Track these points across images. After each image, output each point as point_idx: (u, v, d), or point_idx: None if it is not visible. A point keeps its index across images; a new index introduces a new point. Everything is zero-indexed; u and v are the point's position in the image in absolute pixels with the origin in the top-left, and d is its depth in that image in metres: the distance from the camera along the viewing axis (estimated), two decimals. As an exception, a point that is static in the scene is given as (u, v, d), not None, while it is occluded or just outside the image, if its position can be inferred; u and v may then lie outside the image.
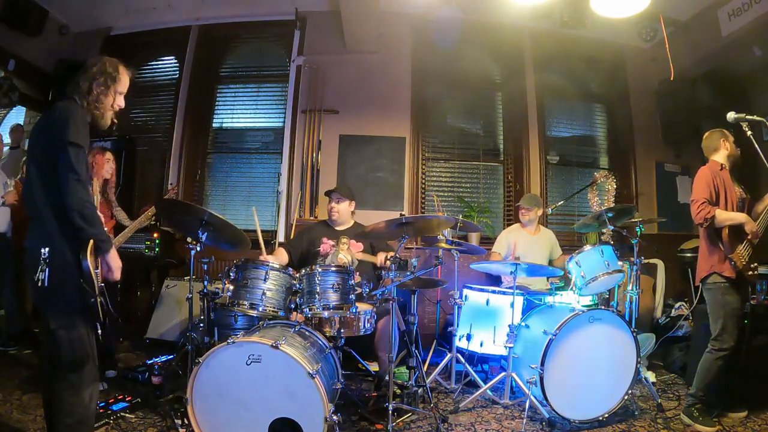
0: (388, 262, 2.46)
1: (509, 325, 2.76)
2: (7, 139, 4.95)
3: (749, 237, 2.47)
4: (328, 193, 3.32)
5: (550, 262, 3.73)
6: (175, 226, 3.58)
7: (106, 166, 3.21)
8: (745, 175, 2.77)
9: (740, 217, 2.49)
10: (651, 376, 3.19)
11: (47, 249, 1.69)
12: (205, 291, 2.68)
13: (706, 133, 2.76)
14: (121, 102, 1.94)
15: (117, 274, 1.83)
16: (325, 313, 2.38)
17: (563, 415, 2.49)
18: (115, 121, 1.97)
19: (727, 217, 2.49)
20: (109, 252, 1.78)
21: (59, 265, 1.70)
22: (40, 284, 1.67)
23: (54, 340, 1.72)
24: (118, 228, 3.28)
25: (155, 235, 3.95)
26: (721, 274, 2.50)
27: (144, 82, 5.01)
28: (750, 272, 2.47)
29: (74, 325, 1.73)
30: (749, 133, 2.27)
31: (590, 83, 5.16)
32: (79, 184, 1.68)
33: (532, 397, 2.55)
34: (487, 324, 3.21)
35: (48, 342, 1.76)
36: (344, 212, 3.29)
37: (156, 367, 2.97)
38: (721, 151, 2.68)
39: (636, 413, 2.69)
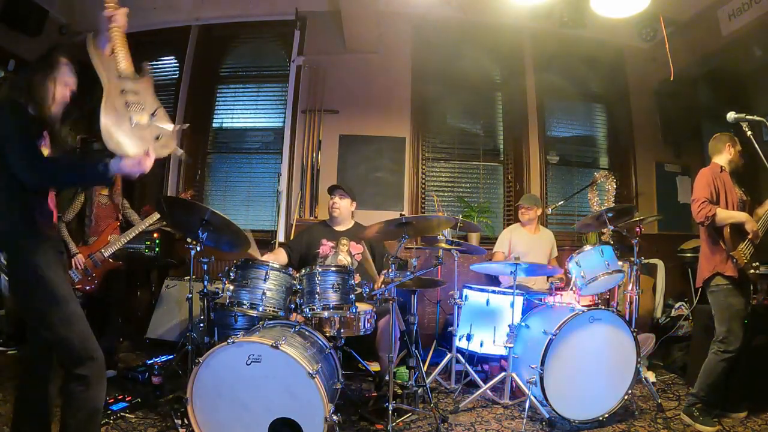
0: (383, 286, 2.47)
1: (509, 325, 2.76)
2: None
3: (750, 236, 2.47)
4: (331, 189, 3.31)
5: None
6: (175, 226, 3.58)
7: None
8: (745, 175, 2.77)
9: (741, 215, 2.50)
10: (651, 376, 3.19)
11: (3, 254, 1.63)
12: (205, 291, 2.68)
13: (716, 135, 2.77)
14: (63, 93, 1.83)
15: (145, 164, 1.63)
16: (325, 313, 2.38)
17: (563, 415, 2.48)
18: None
19: (727, 215, 2.49)
20: (113, 168, 1.62)
21: (21, 273, 1.64)
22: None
23: (46, 341, 1.69)
24: (128, 228, 3.36)
25: (155, 235, 3.95)
26: (724, 274, 2.50)
27: (144, 82, 5.01)
28: (752, 271, 2.47)
29: (54, 323, 1.67)
30: (749, 133, 2.27)
31: (590, 83, 5.16)
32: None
33: (532, 397, 2.55)
34: (487, 324, 3.21)
35: (43, 343, 1.74)
36: (345, 210, 3.28)
37: (156, 367, 2.97)
38: (723, 154, 2.69)
39: (636, 413, 2.69)
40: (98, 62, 1.73)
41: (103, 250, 3.27)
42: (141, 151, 1.63)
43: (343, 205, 3.26)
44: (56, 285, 1.67)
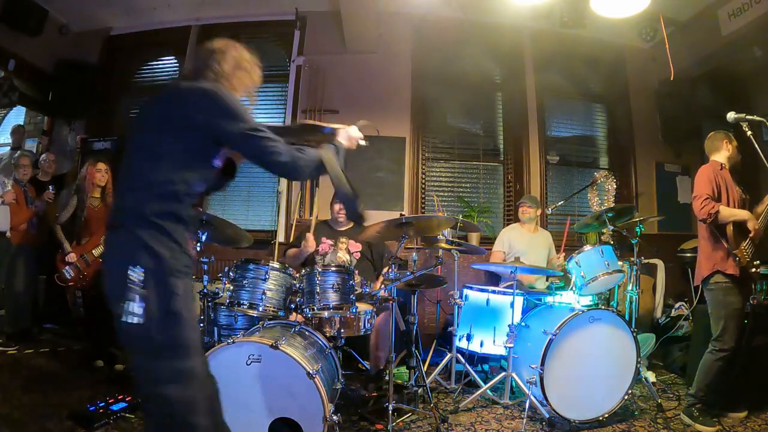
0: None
1: (509, 325, 2.76)
2: (7, 140, 4.95)
3: (752, 235, 2.47)
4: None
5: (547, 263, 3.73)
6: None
7: (98, 176, 3.42)
8: (745, 175, 2.77)
9: (743, 213, 2.49)
10: (651, 376, 3.19)
11: (140, 269, 1.21)
12: (205, 291, 2.67)
13: (711, 134, 2.77)
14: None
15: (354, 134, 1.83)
16: (325, 313, 2.38)
17: (563, 415, 2.48)
18: None
19: (730, 213, 2.48)
20: (338, 147, 1.75)
21: (159, 293, 1.23)
22: (128, 321, 1.20)
23: (150, 405, 1.26)
24: None
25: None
26: (724, 272, 2.49)
27: (144, 82, 5.00)
28: (753, 269, 2.46)
29: (178, 380, 1.24)
30: (749, 133, 2.27)
31: (590, 83, 5.16)
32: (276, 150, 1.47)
33: (532, 397, 2.55)
34: (487, 324, 3.21)
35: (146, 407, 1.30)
36: None
37: (156, 367, 2.96)
38: (722, 152, 2.68)
39: (636, 413, 2.69)
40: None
41: (94, 251, 3.37)
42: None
43: None
44: (187, 325, 1.27)
